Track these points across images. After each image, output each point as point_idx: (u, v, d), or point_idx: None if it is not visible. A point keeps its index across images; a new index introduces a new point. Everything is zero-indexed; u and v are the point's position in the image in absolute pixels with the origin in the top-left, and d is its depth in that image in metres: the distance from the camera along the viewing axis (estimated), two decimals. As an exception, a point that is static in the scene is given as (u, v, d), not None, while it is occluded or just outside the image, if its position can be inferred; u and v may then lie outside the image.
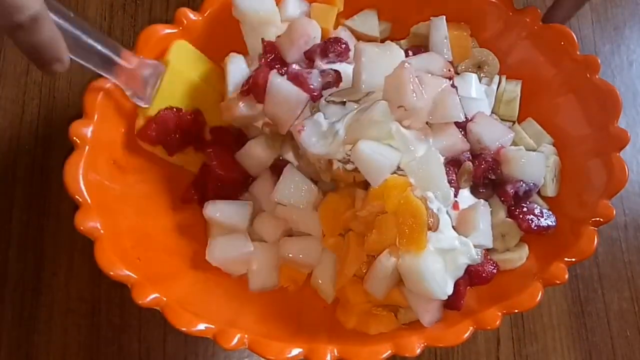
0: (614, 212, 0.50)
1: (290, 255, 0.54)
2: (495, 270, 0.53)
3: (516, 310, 0.48)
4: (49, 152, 0.63)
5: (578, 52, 0.55)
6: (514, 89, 0.60)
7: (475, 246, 0.51)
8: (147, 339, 0.58)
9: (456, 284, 0.50)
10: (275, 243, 0.56)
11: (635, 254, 0.63)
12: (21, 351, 0.58)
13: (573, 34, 0.55)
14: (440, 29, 0.58)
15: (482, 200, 0.54)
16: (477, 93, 0.58)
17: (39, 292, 0.59)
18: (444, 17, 0.58)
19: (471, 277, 0.52)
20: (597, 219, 0.50)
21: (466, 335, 0.47)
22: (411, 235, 0.47)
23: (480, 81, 0.60)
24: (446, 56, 0.58)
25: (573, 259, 0.50)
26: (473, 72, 0.60)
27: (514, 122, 0.60)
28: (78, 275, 0.59)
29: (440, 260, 0.49)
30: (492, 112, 0.59)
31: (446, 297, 0.49)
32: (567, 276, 0.48)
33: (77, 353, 0.58)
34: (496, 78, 0.60)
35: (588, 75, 0.54)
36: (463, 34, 0.59)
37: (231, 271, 0.55)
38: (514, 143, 0.57)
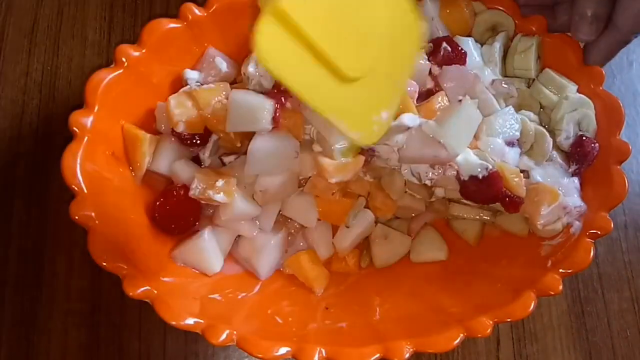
0: (612, 225, 0.50)
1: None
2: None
3: (508, 320, 0.48)
4: (49, 152, 0.63)
5: (583, 63, 0.55)
6: (529, 39, 0.56)
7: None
8: (147, 339, 0.58)
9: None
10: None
11: (635, 254, 0.63)
12: (21, 351, 0.58)
13: (579, 44, 0.55)
14: (428, 12, 0.58)
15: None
16: (476, 56, 0.57)
17: (39, 292, 0.59)
18: None
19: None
20: (595, 231, 0.50)
21: (456, 342, 0.47)
22: None
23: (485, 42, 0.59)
24: (441, 33, 0.58)
25: (569, 270, 0.49)
26: (491, 36, 0.58)
27: (532, 80, 0.57)
28: (78, 275, 0.59)
29: None
30: (502, 72, 0.58)
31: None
32: (561, 287, 0.48)
33: (77, 353, 0.58)
34: (499, 37, 0.57)
35: (592, 86, 0.54)
36: (450, 8, 0.59)
37: (203, 269, 0.55)
38: (529, 104, 0.56)
